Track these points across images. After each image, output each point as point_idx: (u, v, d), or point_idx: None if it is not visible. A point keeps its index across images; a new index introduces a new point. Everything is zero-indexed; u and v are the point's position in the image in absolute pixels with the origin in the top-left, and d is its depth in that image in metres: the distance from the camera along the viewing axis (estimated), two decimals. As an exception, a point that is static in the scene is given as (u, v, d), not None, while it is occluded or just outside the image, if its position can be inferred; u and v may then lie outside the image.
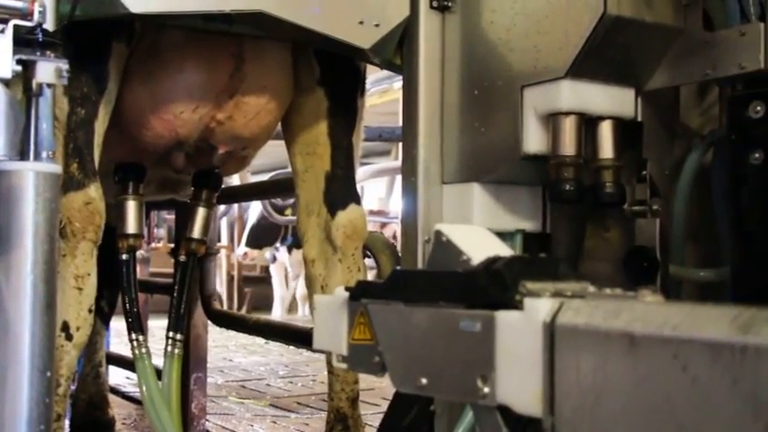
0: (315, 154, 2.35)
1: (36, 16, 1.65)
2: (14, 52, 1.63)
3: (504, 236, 2.04)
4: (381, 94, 7.79)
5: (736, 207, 1.72)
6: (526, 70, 1.85)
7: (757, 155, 1.63)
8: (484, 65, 1.96)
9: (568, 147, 1.78)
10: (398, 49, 2.15)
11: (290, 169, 2.48)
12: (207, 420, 3.96)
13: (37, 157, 1.67)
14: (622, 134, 1.84)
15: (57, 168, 1.70)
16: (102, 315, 3.68)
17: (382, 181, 11.55)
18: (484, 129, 1.96)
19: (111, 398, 3.96)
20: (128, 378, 4.99)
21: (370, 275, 5.68)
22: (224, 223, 12.41)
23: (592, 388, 0.97)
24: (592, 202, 1.84)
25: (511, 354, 1.06)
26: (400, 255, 2.19)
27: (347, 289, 1.41)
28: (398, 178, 2.21)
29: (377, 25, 2.07)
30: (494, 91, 1.93)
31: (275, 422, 4.30)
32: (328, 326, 1.44)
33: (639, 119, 1.88)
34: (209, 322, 3.79)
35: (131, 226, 2.41)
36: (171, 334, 2.50)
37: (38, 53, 1.66)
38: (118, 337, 5.01)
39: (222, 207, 9.80)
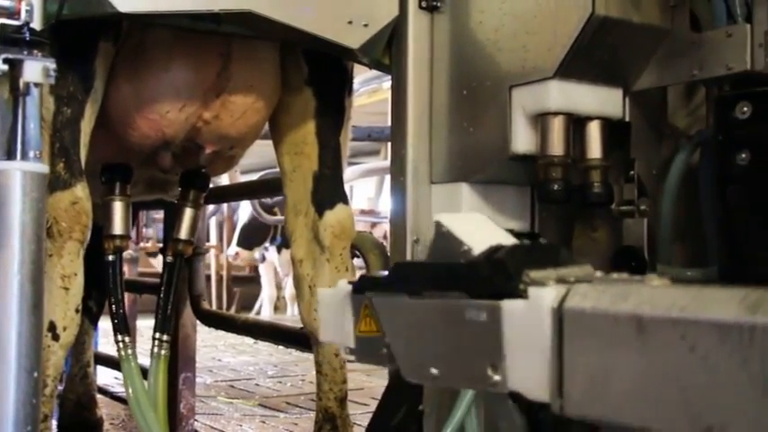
0: (302, 154, 2.35)
1: (23, 15, 1.64)
2: (1, 51, 1.62)
3: (492, 236, 2.04)
4: (371, 93, 7.80)
5: (723, 207, 1.72)
6: (514, 70, 1.85)
7: (744, 155, 1.64)
8: (472, 65, 1.97)
9: (557, 147, 1.79)
10: (387, 49, 2.15)
11: (278, 169, 2.48)
12: (195, 420, 3.95)
13: (24, 156, 1.66)
14: (610, 134, 1.85)
15: (44, 168, 1.69)
16: (90, 315, 3.67)
17: (371, 181, 11.55)
18: (472, 129, 1.97)
19: (100, 398, 3.95)
20: (116, 378, 4.97)
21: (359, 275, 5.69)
22: (213, 223, 12.39)
23: (600, 371, 0.98)
24: (580, 201, 1.84)
25: (519, 341, 1.07)
26: (389, 254, 2.19)
27: (350, 282, 1.41)
28: (388, 178, 2.21)
29: (366, 25, 2.07)
30: (482, 91, 1.94)
31: (264, 422, 4.30)
32: (334, 319, 1.44)
33: (627, 119, 1.88)
34: (197, 322, 3.78)
35: (118, 227, 2.40)
36: (157, 335, 2.49)
37: (25, 52, 1.65)
38: (106, 337, 4.99)
39: (211, 207, 9.80)
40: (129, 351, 2.36)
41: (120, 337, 2.36)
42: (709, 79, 1.74)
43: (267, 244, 11.61)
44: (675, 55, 1.78)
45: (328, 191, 2.33)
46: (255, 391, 5.29)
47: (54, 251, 2.01)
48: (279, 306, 12.38)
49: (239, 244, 11.48)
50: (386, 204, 10.53)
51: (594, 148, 1.83)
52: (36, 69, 1.65)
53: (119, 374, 4.55)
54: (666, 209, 1.84)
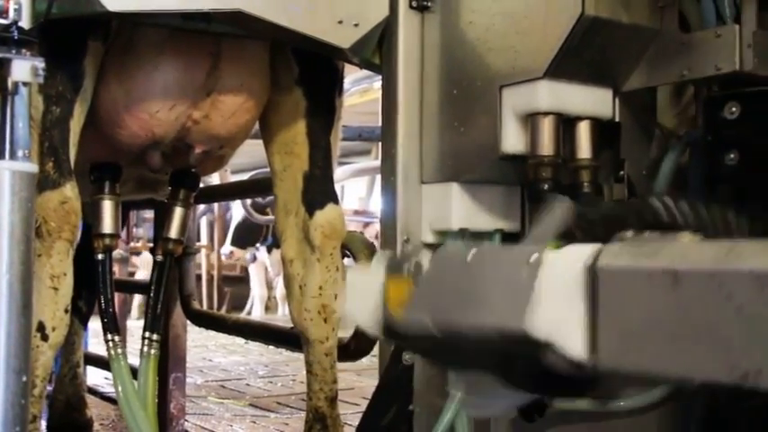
0: (293, 153, 2.34)
1: (11, 14, 1.63)
2: (-11, 50, 1.61)
3: (482, 235, 2.05)
4: (362, 93, 7.79)
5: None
6: (505, 70, 1.85)
7: (732, 155, 1.65)
8: (463, 65, 1.97)
9: (547, 147, 1.79)
10: (378, 49, 2.15)
11: (269, 168, 2.48)
12: (186, 420, 3.94)
13: (13, 156, 1.65)
14: (600, 134, 1.85)
15: (33, 167, 1.68)
16: (79, 315, 3.65)
17: (362, 181, 11.55)
18: (463, 129, 1.97)
19: (89, 398, 3.94)
20: (106, 378, 4.96)
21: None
22: (204, 223, 12.37)
23: (635, 325, 1.00)
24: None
25: (553, 297, 1.09)
26: (379, 254, 2.19)
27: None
28: (378, 178, 2.22)
29: (356, 25, 2.07)
30: (472, 91, 1.94)
31: (255, 422, 4.29)
32: (365, 299, 1.45)
33: (617, 119, 1.89)
34: (188, 322, 3.77)
35: (107, 226, 2.39)
36: (147, 334, 2.48)
37: (13, 51, 1.64)
38: (96, 338, 4.97)
39: (202, 206, 9.78)
40: (119, 350, 2.35)
41: (109, 337, 2.35)
42: (699, 80, 1.74)
43: (257, 244, 11.60)
44: (665, 55, 1.78)
45: (319, 191, 2.33)
46: (246, 391, 5.28)
47: (43, 251, 2.00)
48: (270, 306, 12.37)
49: (233, 243, 11.47)
50: (377, 204, 10.53)
51: (584, 149, 1.84)
52: (24, 68, 1.64)
53: (109, 375, 4.53)
54: (656, 209, 1.85)
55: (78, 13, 1.89)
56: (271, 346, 6.31)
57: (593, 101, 1.84)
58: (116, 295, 2.64)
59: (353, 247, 2.42)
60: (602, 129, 1.86)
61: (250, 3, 1.93)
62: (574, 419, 2.13)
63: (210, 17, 1.98)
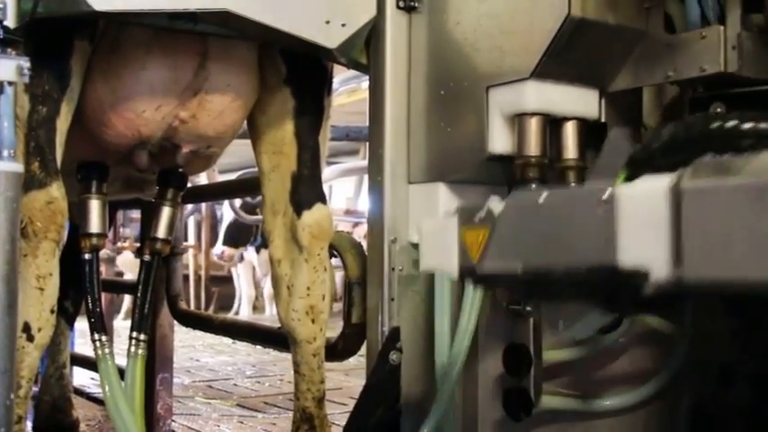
0: (281, 153, 2.34)
1: (-4, 13, 1.63)
2: (-26, 50, 1.61)
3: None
4: (350, 93, 7.78)
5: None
6: (491, 71, 1.86)
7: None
8: (450, 65, 1.97)
9: (533, 147, 1.80)
10: (365, 49, 2.15)
11: (257, 168, 2.47)
12: (173, 421, 3.93)
13: (-2, 155, 1.64)
14: (586, 135, 1.86)
15: (18, 167, 1.67)
16: (66, 315, 3.63)
17: (351, 180, 11.54)
18: (450, 129, 1.97)
19: (76, 399, 3.91)
20: (92, 379, 4.94)
21: (337, 275, 5.69)
22: (191, 223, 12.33)
23: (719, 239, 1.03)
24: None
25: (635, 225, 1.13)
26: (366, 254, 2.19)
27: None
28: (366, 178, 2.22)
29: (343, 25, 2.07)
30: (460, 91, 1.94)
31: (242, 422, 4.28)
32: (441, 249, 1.50)
33: (603, 119, 1.90)
34: (175, 322, 3.76)
35: (94, 225, 2.38)
36: (134, 334, 2.47)
37: (-2, 50, 1.64)
38: (83, 338, 4.95)
39: (189, 206, 9.75)
40: (107, 350, 2.34)
41: (97, 336, 2.35)
42: (684, 80, 1.75)
43: (247, 244, 11.58)
44: (650, 56, 1.80)
45: (307, 191, 2.32)
46: (233, 391, 5.27)
47: (29, 251, 1.99)
48: (258, 306, 12.35)
49: (225, 242, 11.44)
50: (365, 204, 10.52)
51: (571, 149, 1.85)
52: (9, 68, 1.63)
53: (95, 375, 4.53)
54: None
55: (64, 12, 1.88)
56: (258, 347, 6.29)
57: (579, 101, 1.85)
58: (103, 295, 2.63)
59: (340, 248, 2.41)
60: (589, 129, 1.87)
61: (237, 3, 1.93)
62: (560, 419, 2.14)
63: (197, 17, 1.97)
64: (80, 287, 2.41)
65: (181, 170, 2.58)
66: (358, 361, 2.68)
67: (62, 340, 3.69)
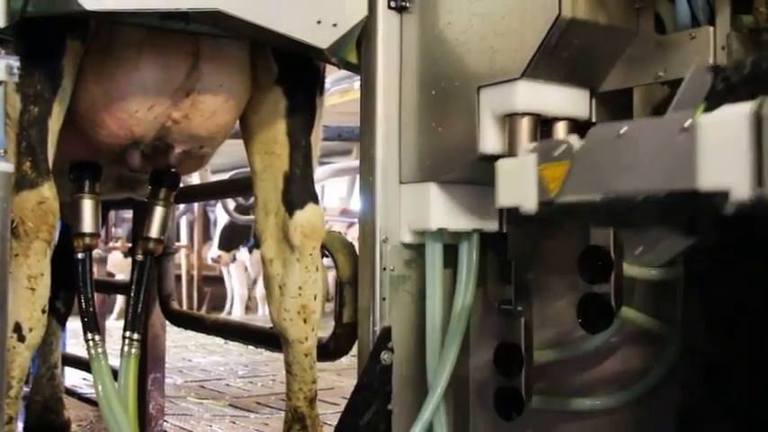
0: (273, 153, 2.34)
1: (-14, 12, 1.63)
2: (-36, 49, 1.60)
3: (461, 236, 2.06)
4: (342, 93, 7.78)
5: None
6: (482, 71, 1.87)
7: (707, 156, 1.66)
8: (441, 65, 1.98)
9: (524, 147, 1.80)
10: (356, 49, 2.15)
11: (249, 168, 2.47)
12: (165, 421, 3.93)
13: (-12, 155, 1.64)
14: (577, 135, 1.86)
15: (9, 167, 1.67)
16: (57, 316, 3.63)
17: (343, 180, 11.54)
18: (441, 129, 1.98)
19: (67, 399, 3.91)
20: (84, 379, 4.93)
21: (329, 275, 5.69)
22: (183, 223, 12.30)
23: None
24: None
25: (716, 151, 1.17)
26: (358, 254, 2.20)
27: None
28: (358, 177, 2.22)
29: (335, 25, 2.08)
30: (451, 91, 1.95)
31: (234, 422, 4.28)
32: (521, 183, 1.52)
33: (594, 120, 1.90)
34: (167, 322, 3.76)
35: (87, 225, 2.38)
36: (128, 334, 2.46)
37: (-12, 50, 1.64)
38: (74, 338, 4.94)
39: (182, 206, 9.73)
40: (99, 350, 2.33)
41: (89, 336, 2.34)
42: (674, 81, 1.76)
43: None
44: (641, 57, 1.80)
45: (299, 190, 2.33)
46: (226, 391, 5.27)
47: (20, 251, 1.98)
48: (250, 306, 12.33)
49: (221, 246, 11.35)
50: (357, 204, 10.51)
51: (562, 149, 1.85)
52: None
53: (87, 375, 4.52)
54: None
55: (54, 11, 1.88)
56: (250, 347, 6.30)
57: (570, 101, 1.86)
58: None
59: (332, 247, 2.42)
60: (580, 129, 1.87)
61: (228, 2, 1.93)
62: (551, 418, 2.15)
63: (189, 17, 1.97)
64: (71, 287, 2.40)
65: (173, 170, 2.58)
66: (350, 361, 2.69)
67: (53, 340, 3.68)
